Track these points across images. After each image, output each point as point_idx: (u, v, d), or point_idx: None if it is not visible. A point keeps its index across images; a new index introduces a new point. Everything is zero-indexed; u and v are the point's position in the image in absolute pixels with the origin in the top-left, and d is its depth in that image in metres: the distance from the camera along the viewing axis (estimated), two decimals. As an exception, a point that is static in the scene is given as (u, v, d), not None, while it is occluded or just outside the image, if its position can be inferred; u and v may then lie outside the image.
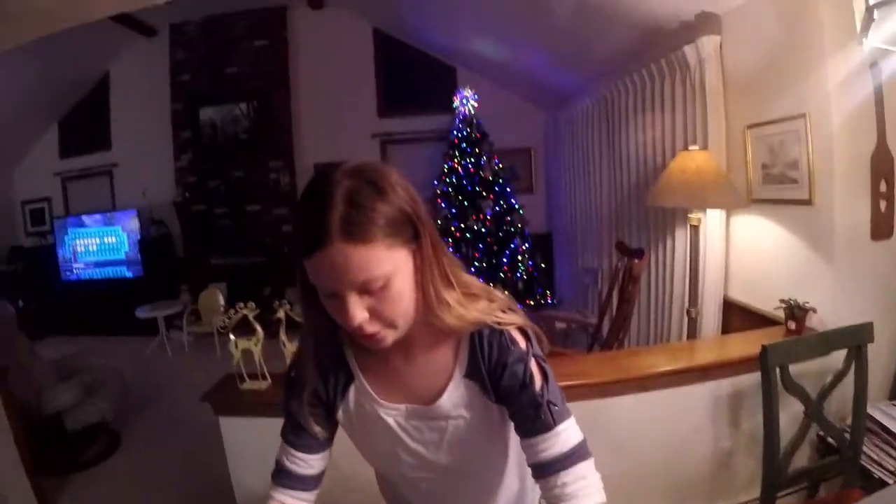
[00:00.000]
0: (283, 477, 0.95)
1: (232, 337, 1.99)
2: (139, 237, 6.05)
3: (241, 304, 1.95)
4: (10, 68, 4.96)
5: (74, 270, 6.36)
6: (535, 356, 0.84)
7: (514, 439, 0.91)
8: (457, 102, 5.16)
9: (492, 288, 0.88)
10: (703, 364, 2.00)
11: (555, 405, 0.83)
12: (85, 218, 6.25)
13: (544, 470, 0.83)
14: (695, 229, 2.51)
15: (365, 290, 0.73)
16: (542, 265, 5.21)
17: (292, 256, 0.77)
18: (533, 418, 0.83)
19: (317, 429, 0.92)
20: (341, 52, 5.88)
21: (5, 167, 6.44)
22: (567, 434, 0.83)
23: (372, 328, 0.77)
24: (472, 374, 0.85)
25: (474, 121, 5.09)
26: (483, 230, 4.97)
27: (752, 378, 1.91)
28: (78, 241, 6.30)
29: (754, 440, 2.00)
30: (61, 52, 5.17)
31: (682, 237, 2.92)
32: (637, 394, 1.95)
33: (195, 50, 5.83)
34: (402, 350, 0.87)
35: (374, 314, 0.75)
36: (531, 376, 0.83)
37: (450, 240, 5.01)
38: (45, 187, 6.53)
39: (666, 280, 3.12)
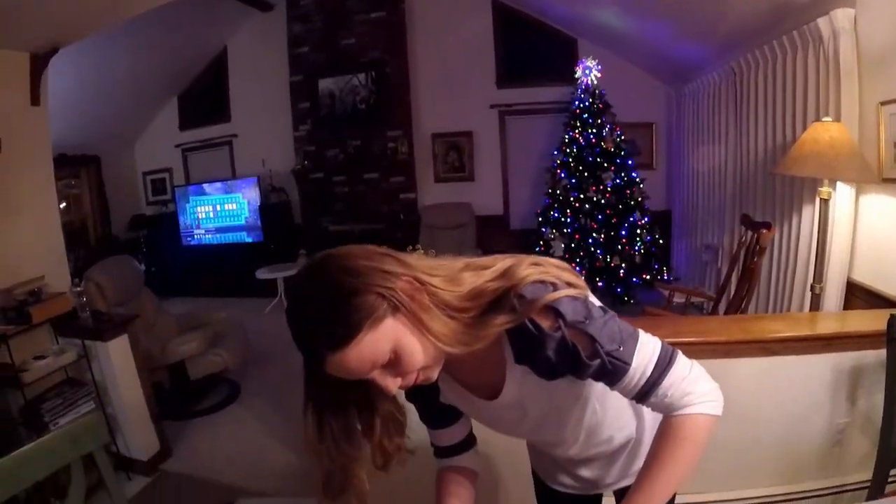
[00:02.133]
0: (438, 453, 1.21)
1: None
2: (259, 204, 6.80)
3: None
4: (133, 45, 5.61)
5: (195, 236, 7.23)
6: (569, 327, 0.86)
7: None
8: (579, 72, 5.42)
9: (507, 264, 0.89)
10: (826, 334, 2.13)
11: (617, 349, 0.87)
12: (206, 186, 7.10)
13: (642, 398, 0.91)
14: (825, 203, 2.63)
15: (379, 367, 0.83)
16: (660, 241, 5.39)
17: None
18: (604, 375, 0.89)
19: (438, 411, 1.15)
20: (459, 23, 6.33)
21: (128, 140, 7.38)
22: (645, 358, 0.88)
23: (410, 381, 0.87)
24: (521, 359, 0.94)
25: (597, 91, 5.34)
26: (602, 202, 5.20)
27: (875, 355, 2.05)
28: (199, 209, 7.16)
29: (870, 420, 2.17)
30: (181, 28, 5.90)
31: (808, 213, 3.12)
32: (760, 357, 2.11)
33: (311, 23, 6.42)
34: (455, 366, 1.00)
35: (403, 375, 0.85)
36: (575, 351, 0.86)
37: (568, 210, 5.31)
38: (165, 158, 7.42)
39: (790, 255, 3.36)
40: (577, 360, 0.87)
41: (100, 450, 1.43)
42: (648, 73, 6.06)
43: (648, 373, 0.88)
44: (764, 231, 2.91)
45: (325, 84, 6.46)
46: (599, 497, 1.40)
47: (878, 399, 1.89)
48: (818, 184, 2.67)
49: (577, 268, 4.99)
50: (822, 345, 2.12)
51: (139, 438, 3.19)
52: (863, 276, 2.80)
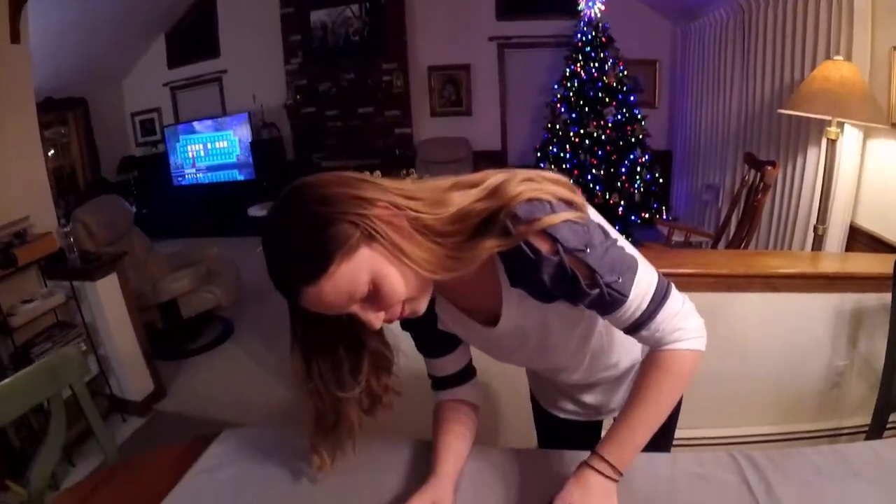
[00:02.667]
0: (435, 384, 1.18)
1: None
2: (250, 140, 6.70)
3: (368, 173, 2.08)
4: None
5: (186, 176, 7.11)
6: (568, 254, 0.81)
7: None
8: (582, 4, 5.24)
9: (498, 180, 0.82)
10: (829, 272, 2.14)
11: (616, 280, 0.83)
12: (195, 124, 6.93)
13: (633, 330, 0.90)
14: (832, 144, 2.63)
15: (360, 300, 0.79)
16: (660, 180, 5.36)
17: None
18: (599, 305, 0.87)
19: (435, 339, 1.11)
20: (457, -50, 6.05)
21: (115, 81, 7.12)
22: (642, 291, 0.86)
23: (395, 315, 0.84)
24: (516, 282, 0.90)
25: (600, 24, 5.18)
26: (602, 138, 5.14)
27: (877, 299, 2.07)
28: (189, 147, 7.01)
29: (869, 365, 2.20)
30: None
31: (813, 155, 3.11)
32: (762, 293, 2.12)
33: (303, -47, 6.18)
34: (450, 290, 0.99)
35: (386, 308, 0.82)
36: (572, 277, 0.82)
37: (568, 146, 5.24)
38: (154, 98, 7.18)
39: (792, 196, 3.34)
40: (575, 287, 0.83)
41: (80, 383, 1.40)
42: (653, 8, 5.85)
43: (644, 306, 0.86)
44: (769, 168, 2.87)
45: (316, 16, 6.25)
46: (600, 423, 1.38)
47: (879, 343, 1.89)
48: (825, 125, 2.64)
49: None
50: (824, 283, 2.12)
51: (132, 379, 3.19)
52: (866, 221, 2.80)
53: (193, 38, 6.94)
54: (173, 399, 3.33)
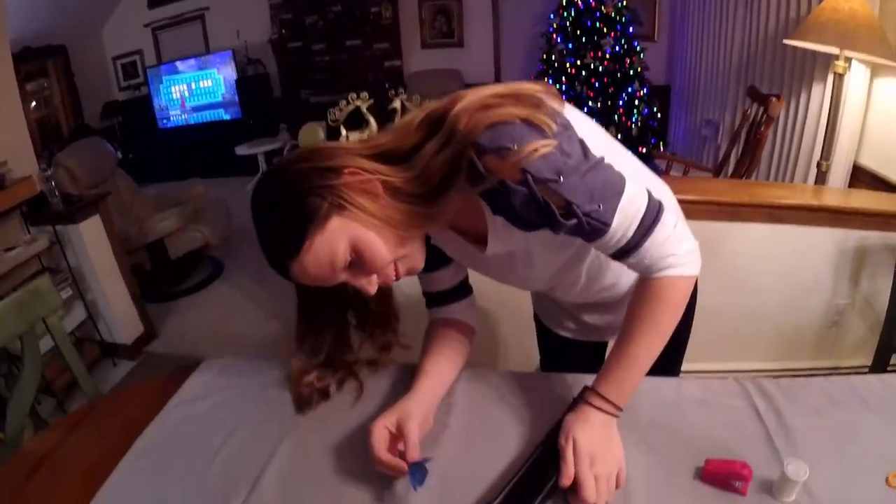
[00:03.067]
0: (429, 302, 1.14)
1: (343, 130, 2.04)
2: (235, 78, 6.50)
3: (354, 95, 1.98)
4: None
5: (171, 118, 6.93)
6: (538, 183, 0.75)
7: None
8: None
9: (457, 117, 0.76)
10: (834, 206, 2.10)
11: (596, 209, 0.77)
12: (178, 64, 6.70)
13: (619, 258, 0.85)
14: (839, 78, 2.55)
15: (346, 268, 0.81)
16: (658, 115, 5.23)
17: None
18: (580, 234, 0.82)
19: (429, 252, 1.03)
20: None
21: (94, 25, 6.79)
22: (627, 218, 0.80)
23: (389, 276, 0.85)
24: (496, 211, 0.87)
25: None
26: (600, 69, 4.97)
27: (881, 237, 2.06)
28: (173, 89, 6.80)
29: (869, 305, 2.18)
30: None
31: (818, 91, 3.02)
32: (766, 224, 2.09)
33: None
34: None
35: (374, 272, 0.83)
36: (547, 208, 0.78)
37: (564, 78, 5.08)
38: (135, 41, 6.88)
39: (795, 132, 3.26)
40: (550, 217, 0.78)
41: (53, 317, 1.33)
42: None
43: (630, 234, 0.81)
44: (774, 100, 2.79)
45: None
46: (605, 345, 1.34)
47: (881, 283, 1.90)
48: (832, 60, 2.57)
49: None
50: (829, 217, 2.09)
51: (121, 322, 3.15)
52: (870, 161, 2.75)
53: (174, -27, 6.62)
54: (164, 341, 3.30)
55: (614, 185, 0.79)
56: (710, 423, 0.96)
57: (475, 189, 0.80)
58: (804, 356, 2.33)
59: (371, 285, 0.84)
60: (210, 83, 6.67)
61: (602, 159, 0.79)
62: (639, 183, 0.82)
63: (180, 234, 3.81)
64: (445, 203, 0.79)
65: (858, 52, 2.47)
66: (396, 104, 2.01)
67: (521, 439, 0.97)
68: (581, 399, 0.90)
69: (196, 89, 6.75)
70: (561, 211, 0.77)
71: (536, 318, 1.44)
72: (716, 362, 2.28)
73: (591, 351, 1.32)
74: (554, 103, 0.79)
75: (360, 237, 0.78)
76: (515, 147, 0.72)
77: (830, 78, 2.64)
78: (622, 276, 1.07)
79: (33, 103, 5.45)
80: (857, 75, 2.68)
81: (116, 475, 0.95)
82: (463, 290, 1.13)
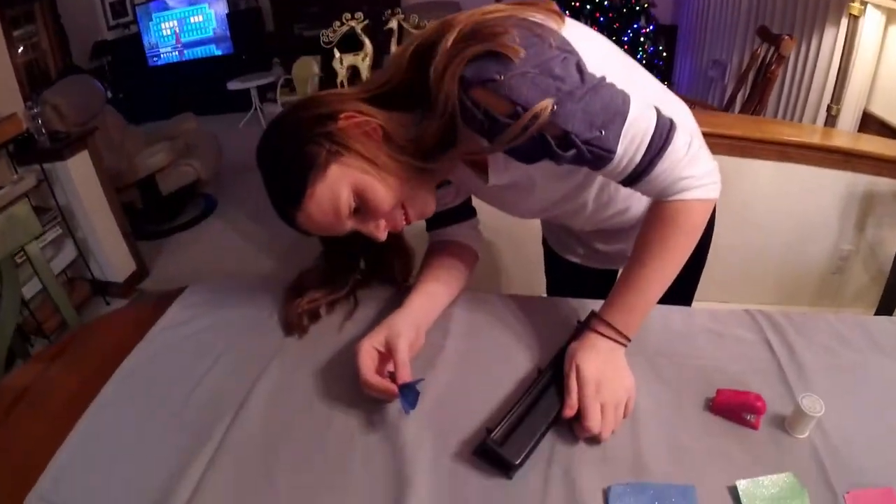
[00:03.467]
0: (430, 223, 1.08)
1: (336, 53, 1.92)
2: (227, 13, 6.29)
3: (348, 16, 1.87)
4: None
5: (162, 55, 6.69)
6: (524, 105, 0.68)
7: None
8: None
9: (444, 57, 0.70)
10: (845, 148, 2.05)
11: (597, 136, 0.71)
12: (168, 0, 6.46)
13: (629, 184, 0.79)
14: (854, 21, 2.50)
15: (351, 215, 0.80)
16: (664, 54, 5.10)
17: None
18: (582, 163, 0.76)
19: None
20: None
21: None
22: (634, 142, 0.73)
23: (398, 222, 0.84)
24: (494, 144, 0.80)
25: None
26: (605, 3, 4.77)
27: (889, 184, 2.03)
28: (163, 25, 6.56)
29: (874, 254, 2.15)
30: None
31: (830, 34, 2.93)
32: (775, 161, 2.04)
33: None
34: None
35: (381, 217, 0.82)
36: (543, 140, 0.72)
37: (567, 12, 4.92)
38: None
39: (805, 75, 3.17)
40: (547, 149, 0.73)
41: (32, 244, 1.27)
42: None
43: (638, 159, 0.74)
44: (786, 38, 2.71)
45: None
46: (615, 273, 1.28)
47: (887, 232, 1.89)
48: (846, 1, 2.57)
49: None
50: (839, 160, 2.05)
51: (113, 260, 3.11)
52: (880, 109, 2.70)
53: None
54: (156, 278, 3.26)
55: (616, 108, 0.71)
56: (721, 354, 0.91)
57: (470, 126, 0.74)
58: (804, 301, 2.31)
59: (379, 230, 0.82)
60: (201, 18, 6.43)
61: (602, 79, 0.72)
62: (646, 100, 0.75)
63: (171, 170, 3.72)
64: (443, 162, 0.79)
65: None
66: (393, 24, 1.90)
67: (522, 364, 0.92)
68: (586, 326, 0.85)
69: (186, 25, 6.51)
70: (557, 141, 0.71)
71: (545, 242, 1.39)
72: (715, 302, 2.24)
73: (601, 278, 1.26)
74: (552, 22, 0.74)
75: (361, 183, 0.77)
76: (502, 78, 0.67)
77: (844, 22, 2.59)
78: (634, 203, 1.01)
79: (20, 48, 5.27)
80: (871, 20, 2.61)
81: (98, 403, 0.90)
82: (465, 211, 1.08)
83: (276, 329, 1.04)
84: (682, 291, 0.89)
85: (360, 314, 1.06)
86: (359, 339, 0.88)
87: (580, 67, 0.71)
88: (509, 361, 0.93)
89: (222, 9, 6.31)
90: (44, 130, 2.82)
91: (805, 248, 2.20)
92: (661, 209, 0.79)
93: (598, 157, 0.73)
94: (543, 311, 1.04)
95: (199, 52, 6.63)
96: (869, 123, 2.73)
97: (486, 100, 0.69)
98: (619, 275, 0.87)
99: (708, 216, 0.81)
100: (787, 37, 2.71)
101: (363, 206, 0.79)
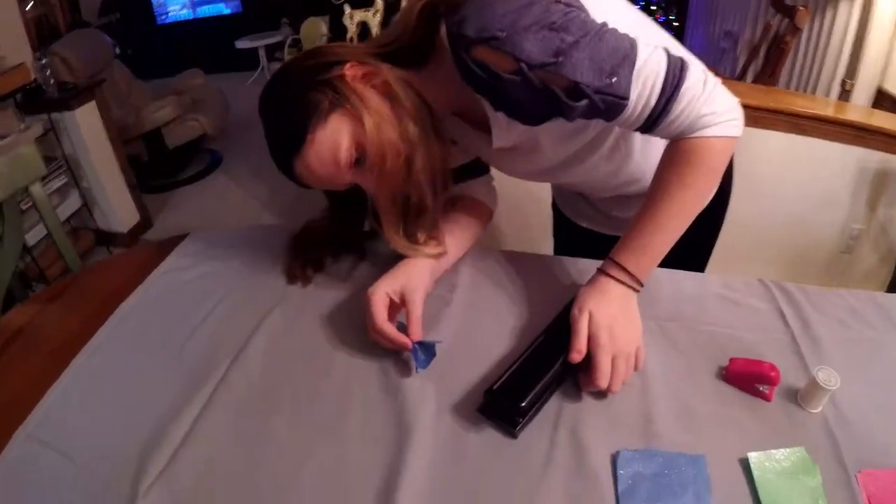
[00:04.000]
0: None
1: (347, 8, 1.86)
2: (237, -31, 6.09)
3: None
4: None
5: (170, 13, 6.55)
6: (533, 70, 0.65)
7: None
8: None
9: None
10: (858, 122, 1.96)
11: (608, 83, 0.66)
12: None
13: (647, 130, 0.74)
14: None
15: (351, 167, 0.76)
16: (675, 24, 5.00)
17: None
18: (596, 114, 0.71)
19: None
20: None
21: None
22: (647, 86, 0.68)
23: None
24: (498, 106, 0.76)
25: None
26: None
27: None
28: (172, -18, 6.37)
29: (884, 234, 2.09)
30: None
31: (845, 8, 2.82)
32: (788, 133, 1.95)
33: None
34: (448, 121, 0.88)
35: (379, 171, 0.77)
36: (549, 94, 0.67)
37: None
38: None
39: (818, 49, 3.06)
40: (555, 102, 0.68)
41: (36, 185, 1.23)
42: None
43: (653, 101, 0.69)
44: (801, 9, 2.60)
45: None
46: None
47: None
48: None
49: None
50: (852, 135, 1.95)
51: (117, 210, 3.08)
52: (895, 87, 2.63)
53: None
54: (160, 230, 3.22)
55: (624, 52, 0.67)
56: (734, 322, 0.87)
57: (472, 86, 0.71)
58: (812, 280, 2.23)
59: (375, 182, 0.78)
60: (210, -25, 6.24)
61: (604, 24, 0.68)
62: (654, 42, 0.70)
63: (178, 124, 3.66)
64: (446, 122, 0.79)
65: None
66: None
67: (530, 322, 0.87)
68: (598, 271, 0.80)
69: (195, -18, 6.31)
70: (567, 93, 0.66)
71: (554, 205, 1.33)
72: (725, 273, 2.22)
73: (612, 245, 1.20)
74: None
75: (363, 133, 0.73)
76: (505, 34, 0.63)
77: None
78: (648, 170, 0.94)
79: (30, 3, 5.16)
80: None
81: (93, 344, 0.86)
82: (478, 166, 1.02)
83: (279, 277, 1.00)
84: (695, 257, 0.84)
85: (365, 265, 1.02)
86: (364, 289, 0.84)
87: (582, 14, 0.67)
88: (516, 317, 0.88)
89: (232, -33, 6.12)
90: (52, 81, 2.76)
91: (815, 225, 2.14)
92: (679, 146, 0.74)
93: (611, 105, 0.68)
94: (552, 269, 0.99)
95: (207, 10, 6.48)
96: (883, 101, 2.65)
97: (489, 58, 0.66)
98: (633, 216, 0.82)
99: (729, 156, 0.76)
100: (801, 7, 2.61)
101: (364, 158, 0.75)
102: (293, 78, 0.76)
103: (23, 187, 1.25)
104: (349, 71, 0.74)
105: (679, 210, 0.75)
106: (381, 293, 0.81)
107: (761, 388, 0.73)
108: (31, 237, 2.38)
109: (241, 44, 5.71)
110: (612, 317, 0.74)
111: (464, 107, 0.82)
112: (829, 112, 2.00)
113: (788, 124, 1.94)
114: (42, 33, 5.08)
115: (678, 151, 0.74)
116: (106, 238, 3.06)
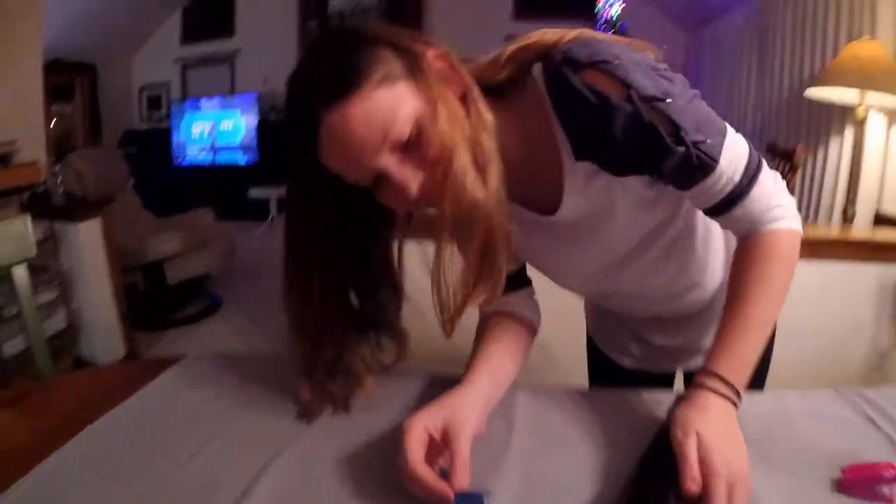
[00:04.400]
0: None
1: None
2: (257, 121, 6.38)
3: None
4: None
5: (188, 156, 6.79)
6: (643, 101, 0.62)
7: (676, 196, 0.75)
8: (600, 4, 5.05)
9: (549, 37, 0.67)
10: (876, 241, 2.00)
11: (703, 140, 0.64)
12: (203, 101, 6.63)
13: (724, 209, 0.70)
14: (860, 126, 2.56)
15: (397, 146, 0.61)
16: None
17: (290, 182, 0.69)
18: (685, 171, 0.66)
19: None
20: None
21: (125, 52, 6.80)
22: (734, 159, 0.66)
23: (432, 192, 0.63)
24: (583, 152, 0.69)
25: (617, 25, 4.99)
26: None
27: None
28: (194, 126, 6.69)
29: None
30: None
31: (836, 144, 2.98)
32: (805, 258, 1.90)
33: (325, -61, 6.02)
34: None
35: (431, 166, 0.62)
36: (652, 131, 0.63)
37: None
38: (164, 73, 6.87)
39: (815, 186, 3.18)
40: (656, 141, 0.63)
41: (20, 266, 1.09)
42: (667, 14, 5.56)
43: (737, 178, 0.67)
44: (799, 148, 2.73)
45: (335, 4, 6.15)
46: (672, 377, 1.10)
47: None
48: (848, 113, 2.64)
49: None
50: (869, 251, 1.96)
51: (104, 341, 2.83)
52: (892, 208, 2.66)
53: (210, 15, 6.67)
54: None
55: (717, 123, 0.67)
56: (828, 433, 0.73)
57: (566, 114, 0.66)
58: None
59: (414, 181, 0.61)
60: (231, 125, 6.52)
61: (698, 94, 0.67)
62: (734, 131, 0.69)
63: (181, 259, 3.48)
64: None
65: (885, 91, 2.42)
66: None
67: (611, 457, 0.69)
68: (694, 385, 0.67)
69: (216, 130, 6.61)
70: (669, 137, 0.63)
71: (591, 342, 1.19)
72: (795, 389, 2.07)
73: (656, 384, 1.05)
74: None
75: (429, 114, 0.59)
76: (618, 62, 0.61)
77: (848, 131, 2.70)
78: (708, 273, 0.90)
79: (54, 120, 5.34)
80: (874, 123, 2.67)
81: (50, 462, 0.68)
82: (520, 278, 0.89)
83: (288, 412, 0.80)
84: (757, 376, 0.71)
85: (385, 397, 0.82)
86: (389, 424, 0.69)
87: (684, 80, 0.67)
88: (593, 457, 0.70)
89: (253, 119, 6.41)
90: (62, 189, 2.70)
91: (840, 352, 2.05)
92: (755, 241, 0.71)
93: (703, 163, 0.65)
94: (625, 401, 0.83)
95: (225, 157, 6.65)
96: (881, 223, 2.69)
97: (600, 82, 0.62)
98: (678, 379, 0.77)
99: (798, 251, 0.73)
100: (798, 148, 2.72)
101: (417, 142, 0.60)
102: (371, 28, 0.63)
103: (6, 265, 1.10)
104: (434, 56, 0.63)
105: (766, 306, 0.69)
106: (419, 428, 0.64)
107: (884, 491, 0.62)
108: (10, 348, 2.19)
109: (256, 193, 5.80)
110: (721, 438, 0.61)
111: (526, 163, 0.70)
112: (839, 236, 2.06)
113: (806, 251, 1.86)
114: (61, 148, 5.25)
115: (755, 246, 0.71)
116: (85, 367, 2.73)
